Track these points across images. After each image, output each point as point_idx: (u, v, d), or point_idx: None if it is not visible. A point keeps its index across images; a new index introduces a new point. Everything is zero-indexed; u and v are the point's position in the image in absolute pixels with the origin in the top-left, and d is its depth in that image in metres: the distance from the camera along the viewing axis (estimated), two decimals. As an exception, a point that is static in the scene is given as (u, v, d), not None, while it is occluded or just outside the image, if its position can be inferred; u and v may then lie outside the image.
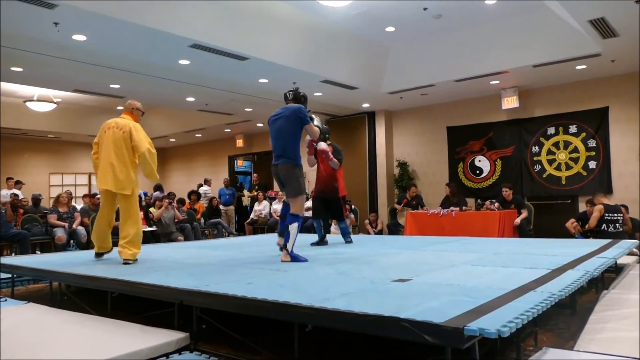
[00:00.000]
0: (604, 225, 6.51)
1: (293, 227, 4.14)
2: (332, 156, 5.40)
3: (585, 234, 6.80)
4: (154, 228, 8.75)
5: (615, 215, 6.52)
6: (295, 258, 4.12)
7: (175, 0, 6.04)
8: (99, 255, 4.68)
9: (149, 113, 14.25)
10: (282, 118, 4.30)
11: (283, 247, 4.18)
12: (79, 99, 11.82)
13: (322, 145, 5.29)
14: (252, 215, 11.28)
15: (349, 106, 10.97)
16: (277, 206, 10.83)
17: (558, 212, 9.07)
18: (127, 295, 3.42)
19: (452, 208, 8.32)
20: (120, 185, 4.33)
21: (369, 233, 9.64)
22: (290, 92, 4.52)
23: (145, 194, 12.39)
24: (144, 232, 8.33)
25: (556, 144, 9.37)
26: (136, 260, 4.38)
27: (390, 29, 7.91)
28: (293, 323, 2.47)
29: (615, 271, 4.70)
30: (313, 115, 4.84)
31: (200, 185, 13.70)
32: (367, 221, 9.91)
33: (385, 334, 2.11)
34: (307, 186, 12.34)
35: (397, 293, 2.65)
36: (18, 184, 11.49)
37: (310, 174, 12.74)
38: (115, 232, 4.71)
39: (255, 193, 11.75)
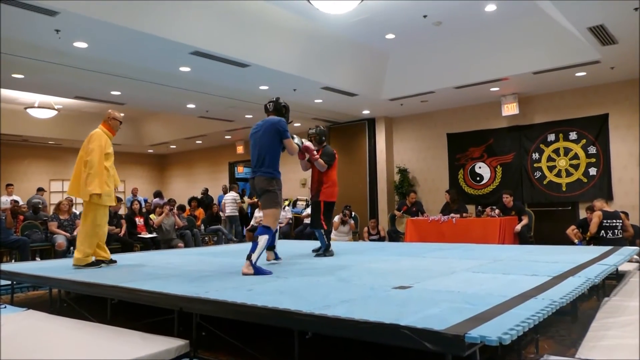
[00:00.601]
0: (603, 231, 6.50)
1: (262, 239, 3.87)
2: (316, 155, 5.11)
3: (588, 241, 6.79)
4: (154, 235, 8.75)
5: (614, 221, 6.51)
6: (258, 271, 3.80)
7: (176, 5, 6.07)
8: (97, 262, 4.73)
9: (149, 120, 14.30)
10: (261, 131, 4.19)
11: (248, 258, 3.85)
12: (79, 105, 11.85)
13: (306, 142, 5.08)
14: (252, 222, 11.27)
15: (349, 113, 10.98)
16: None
17: (558, 218, 9.07)
18: (127, 302, 3.42)
19: (452, 215, 8.32)
20: (80, 191, 4.59)
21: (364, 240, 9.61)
22: (271, 104, 4.39)
23: (146, 201, 12.40)
24: (143, 238, 8.48)
25: (556, 151, 9.37)
26: (86, 265, 4.52)
27: (390, 36, 7.94)
28: (293, 330, 2.46)
29: (616, 278, 4.69)
30: (295, 135, 4.72)
31: (206, 191, 13.66)
32: (366, 228, 9.89)
33: (386, 341, 2.11)
34: (308, 193, 12.34)
35: (397, 300, 2.64)
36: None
37: (310, 181, 12.74)
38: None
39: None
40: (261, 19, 6.96)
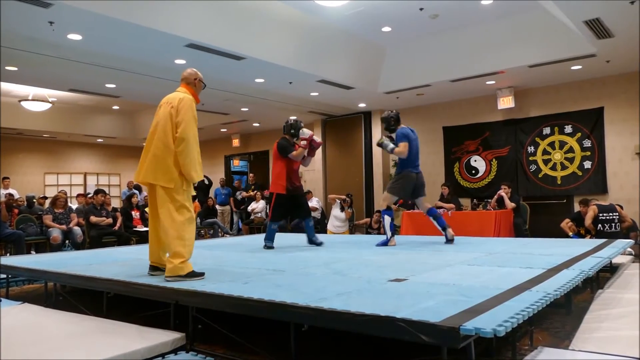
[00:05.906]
0: (600, 225, 6.53)
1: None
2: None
3: (583, 236, 6.81)
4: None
5: (611, 214, 6.54)
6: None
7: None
8: (152, 269, 3.57)
9: (143, 113, 14.22)
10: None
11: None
12: (74, 98, 11.77)
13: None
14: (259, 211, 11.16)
15: (345, 106, 10.97)
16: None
17: (553, 212, 9.10)
18: (123, 295, 3.41)
19: (446, 207, 8.31)
20: (154, 175, 3.32)
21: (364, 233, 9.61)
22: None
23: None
24: (139, 232, 8.45)
25: (552, 144, 9.40)
26: (185, 277, 3.22)
27: (386, 29, 7.91)
28: (289, 323, 2.47)
29: (610, 270, 4.73)
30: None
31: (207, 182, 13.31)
32: (367, 220, 9.84)
33: (382, 334, 2.12)
34: (305, 186, 12.31)
35: (393, 293, 2.65)
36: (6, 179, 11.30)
37: (307, 174, 12.74)
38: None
39: (252, 193, 11.72)
40: (257, 11, 6.92)
